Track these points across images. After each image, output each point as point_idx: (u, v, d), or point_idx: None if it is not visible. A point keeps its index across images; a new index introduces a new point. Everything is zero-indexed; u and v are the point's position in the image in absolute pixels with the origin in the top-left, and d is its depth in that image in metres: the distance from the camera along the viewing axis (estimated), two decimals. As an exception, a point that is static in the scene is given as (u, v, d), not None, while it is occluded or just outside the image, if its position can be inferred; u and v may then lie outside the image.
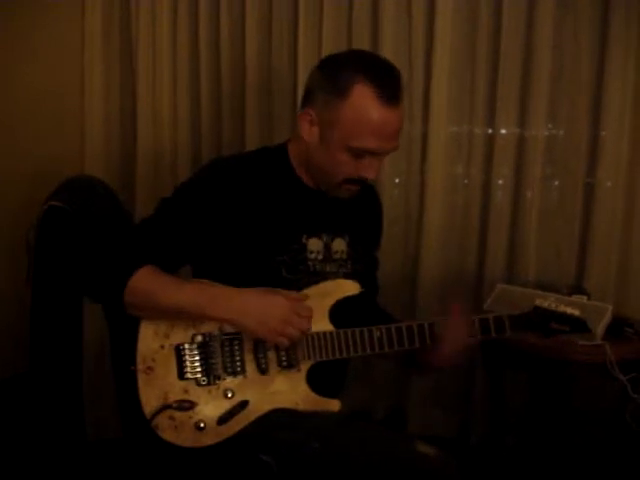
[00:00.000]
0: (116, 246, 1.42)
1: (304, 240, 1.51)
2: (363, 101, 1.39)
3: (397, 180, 2.58)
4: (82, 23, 2.65)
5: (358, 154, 1.42)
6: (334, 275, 1.54)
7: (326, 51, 2.43)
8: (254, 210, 1.46)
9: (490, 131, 2.50)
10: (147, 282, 1.38)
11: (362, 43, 2.48)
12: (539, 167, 2.42)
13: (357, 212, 1.64)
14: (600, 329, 1.91)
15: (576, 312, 1.51)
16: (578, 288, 2.22)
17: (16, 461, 2.22)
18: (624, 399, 2.01)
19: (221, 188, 1.44)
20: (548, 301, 1.53)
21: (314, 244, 1.52)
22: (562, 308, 1.52)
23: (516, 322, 1.51)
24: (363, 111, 1.39)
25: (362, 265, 1.63)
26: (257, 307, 1.38)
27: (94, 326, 1.80)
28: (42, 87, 2.63)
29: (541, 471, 2.25)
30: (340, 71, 1.43)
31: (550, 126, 2.45)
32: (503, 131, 2.46)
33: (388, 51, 2.41)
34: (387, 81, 1.41)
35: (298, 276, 1.49)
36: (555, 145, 2.44)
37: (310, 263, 1.51)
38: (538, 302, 1.54)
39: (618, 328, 2.04)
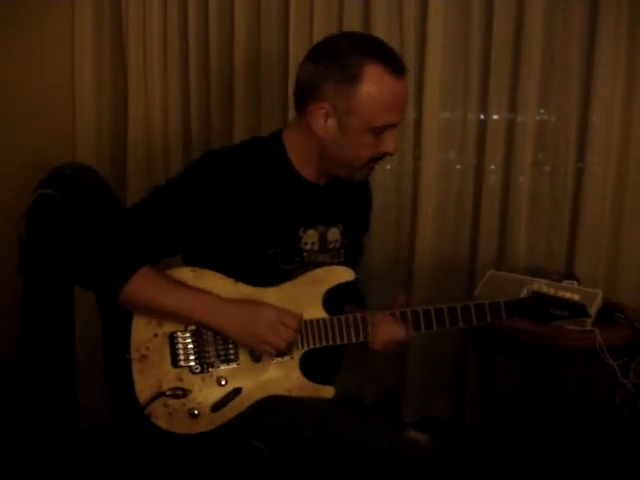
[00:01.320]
0: (111, 236, 1.43)
1: (301, 232, 1.54)
2: (377, 79, 1.42)
3: (389, 166, 2.62)
4: (72, 15, 2.66)
5: (379, 132, 1.46)
6: (328, 265, 1.56)
7: (317, 37, 2.42)
8: (250, 202, 1.47)
9: (482, 117, 2.54)
10: (145, 286, 1.40)
11: (354, 28, 2.48)
12: (530, 153, 2.46)
13: (349, 200, 1.67)
14: (591, 314, 1.93)
15: (575, 297, 1.52)
16: (568, 274, 2.26)
17: (10, 450, 2.24)
18: (614, 384, 2.04)
19: (216, 180, 1.46)
20: (543, 286, 1.55)
21: (310, 236, 1.55)
22: (561, 293, 1.53)
23: (513, 308, 1.53)
24: (380, 89, 1.42)
25: (354, 253, 1.66)
26: (245, 315, 1.42)
27: (86, 315, 1.80)
28: (33, 81, 2.65)
29: (532, 455, 2.29)
30: (345, 58, 1.43)
31: (541, 111, 2.48)
32: (495, 117, 2.49)
33: (380, 36, 2.35)
34: (392, 54, 1.45)
35: (294, 266, 1.51)
36: (546, 131, 2.48)
37: (305, 254, 1.54)
38: (536, 287, 1.55)
39: (608, 313, 2.06)
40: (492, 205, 2.52)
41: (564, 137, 2.44)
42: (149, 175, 2.68)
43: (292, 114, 2.44)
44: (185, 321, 1.44)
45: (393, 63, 1.43)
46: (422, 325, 1.52)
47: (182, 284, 1.45)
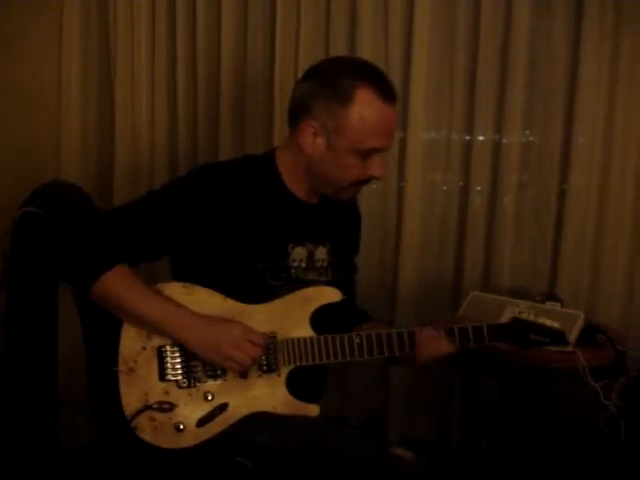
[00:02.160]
0: (95, 230, 1.46)
1: (289, 249, 1.57)
2: (368, 103, 1.46)
3: (375, 186, 2.64)
4: (60, 32, 2.70)
5: (366, 155, 1.50)
6: (315, 283, 1.59)
7: (302, 62, 2.51)
8: (239, 215, 1.50)
9: (468, 137, 2.59)
10: (118, 284, 1.42)
11: (339, 49, 2.55)
12: (515, 174, 2.51)
13: (338, 220, 1.71)
14: (573, 336, 1.98)
15: (555, 324, 1.55)
16: (551, 295, 2.29)
17: None
18: (596, 405, 2.06)
19: (209, 192, 1.49)
20: (523, 310, 1.59)
21: (298, 253, 1.58)
22: (541, 320, 1.56)
23: (495, 332, 1.55)
24: (370, 113, 1.47)
25: (342, 273, 1.69)
26: (212, 331, 1.44)
27: (69, 332, 1.79)
28: (18, 95, 2.66)
29: (515, 475, 2.31)
30: (338, 78, 1.48)
31: (526, 133, 2.54)
32: (480, 138, 2.54)
33: (365, 57, 2.36)
34: (384, 80, 1.51)
35: (281, 282, 1.55)
36: (530, 152, 2.53)
37: (293, 271, 1.57)
38: (517, 313, 1.59)
39: (590, 335, 2.08)
40: (477, 226, 2.56)
41: (548, 158, 2.50)
42: (135, 192, 2.58)
43: (277, 132, 2.55)
44: (152, 329, 1.46)
45: (384, 88, 1.48)
46: (406, 347, 1.53)
47: (157, 292, 1.47)
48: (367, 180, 1.57)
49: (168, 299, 1.46)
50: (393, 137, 1.56)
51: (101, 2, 2.72)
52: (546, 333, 1.55)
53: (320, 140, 1.51)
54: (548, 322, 1.56)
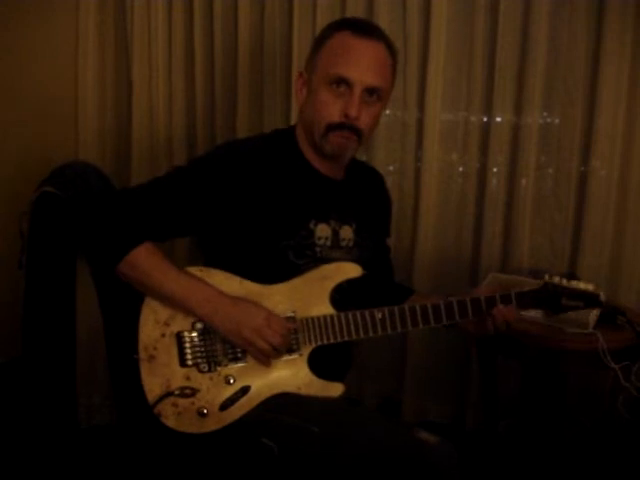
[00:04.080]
0: (123, 205, 1.46)
1: (312, 225, 1.57)
2: (340, 37, 1.52)
3: (391, 167, 2.64)
4: (77, 12, 2.70)
5: (338, 91, 1.50)
6: (339, 262, 1.58)
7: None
8: (265, 193, 1.51)
9: (485, 119, 2.56)
10: (146, 260, 1.44)
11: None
12: (534, 155, 2.48)
13: (364, 200, 1.71)
14: (592, 318, 1.98)
15: (590, 287, 1.54)
16: (571, 275, 2.24)
17: (8, 447, 2.27)
18: (616, 387, 2.05)
19: (235, 168, 1.50)
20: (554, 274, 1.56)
21: (322, 230, 1.58)
22: (574, 284, 1.54)
23: (524, 298, 1.54)
24: (337, 43, 1.52)
25: (368, 253, 1.69)
26: (236, 314, 1.44)
27: (87, 314, 1.80)
28: (37, 78, 2.68)
29: (533, 458, 2.32)
30: (324, 30, 1.58)
31: (545, 114, 2.50)
32: (498, 119, 2.51)
33: None
34: (364, 23, 1.56)
35: (304, 260, 1.54)
36: (550, 133, 2.50)
37: (317, 249, 1.57)
38: (547, 278, 1.56)
39: (610, 316, 2.08)
40: (495, 207, 2.55)
41: (568, 140, 2.47)
42: (153, 172, 2.68)
43: (295, 110, 2.54)
44: (177, 306, 1.46)
45: (360, 26, 1.52)
46: (431, 320, 1.53)
47: (183, 270, 1.48)
48: (343, 124, 1.52)
49: (195, 277, 1.47)
50: (368, 72, 1.51)
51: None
52: (580, 297, 1.53)
53: (305, 88, 1.57)
54: (582, 285, 1.54)
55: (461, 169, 2.63)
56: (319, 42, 1.56)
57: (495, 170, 2.55)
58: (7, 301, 2.46)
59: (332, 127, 1.52)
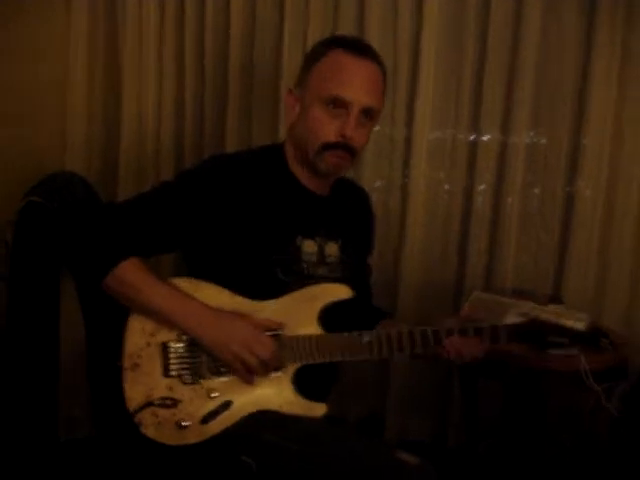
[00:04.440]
0: (108, 221, 1.47)
1: (299, 242, 1.58)
2: (334, 56, 1.53)
3: (378, 183, 2.66)
4: (68, 19, 2.71)
5: (333, 112, 1.51)
6: (325, 279, 1.60)
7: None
8: (252, 209, 1.52)
9: (473, 137, 2.59)
10: (132, 275, 1.44)
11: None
12: (520, 174, 2.51)
13: (350, 217, 1.72)
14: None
15: (578, 325, 1.56)
16: (555, 297, 2.31)
17: None
18: (597, 408, 2.05)
19: (222, 184, 1.51)
20: (527, 311, 1.59)
21: (308, 246, 1.59)
22: (562, 321, 1.56)
23: (512, 332, 1.56)
24: (331, 62, 1.53)
25: (352, 271, 1.70)
26: (221, 327, 1.45)
27: (70, 325, 1.81)
28: (24, 84, 2.66)
29: (513, 478, 2.33)
30: (316, 47, 1.60)
31: (532, 134, 2.54)
32: (486, 137, 2.55)
33: None
34: (356, 42, 1.57)
35: (291, 278, 1.55)
36: (537, 152, 2.54)
37: (304, 265, 1.58)
38: (530, 312, 1.58)
39: (593, 338, 2.02)
40: (481, 225, 2.57)
41: (555, 160, 2.50)
42: (140, 183, 2.70)
43: (283, 125, 2.56)
44: (163, 320, 1.46)
45: (353, 44, 1.54)
46: (418, 345, 1.53)
47: (170, 284, 1.48)
48: (338, 144, 1.53)
49: (181, 291, 1.47)
50: (361, 92, 1.52)
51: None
52: (566, 333, 1.56)
53: (297, 105, 1.58)
54: (569, 323, 1.56)
55: (447, 187, 2.65)
56: (311, 59, 1.57)
57: (482, 188, 2.58)
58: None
59: (327, 146, 1.54)
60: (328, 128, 1.52)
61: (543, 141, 2.54)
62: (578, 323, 1.58)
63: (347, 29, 2.56)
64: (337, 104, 1.51)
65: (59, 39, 2.75)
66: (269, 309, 1.52)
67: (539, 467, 2.29)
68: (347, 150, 1.55)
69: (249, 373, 1.46)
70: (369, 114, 1.55)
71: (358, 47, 1.54)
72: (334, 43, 1.56)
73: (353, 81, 1.51)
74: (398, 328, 1.56)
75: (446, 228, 2.65)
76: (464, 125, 2.59)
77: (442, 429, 2.72)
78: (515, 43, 2.45)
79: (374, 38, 2.53)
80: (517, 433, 2.47)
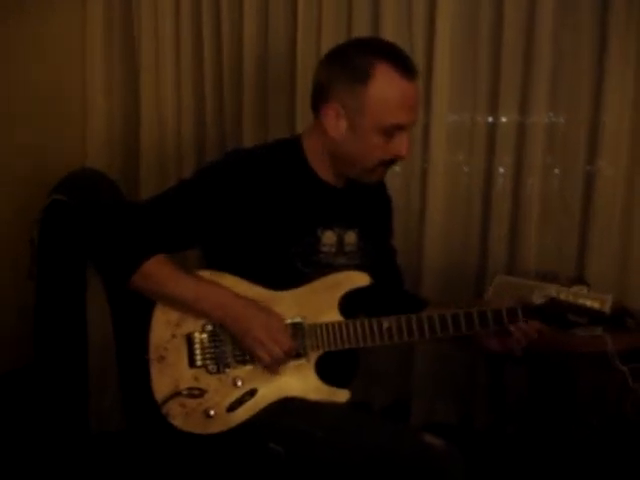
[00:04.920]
0: (132, 220, 1.52)
1: (319, 233, 1.62)
2: (387, 79, 1.50)
3: (398, 169, 2.68)
4: (84, 16, 2.77)
5: (389, 133, 1.53)
6: (345, 268, 1.63)
7: (324, 45, 2.56)
8: (271, 202, 1.56)
9: (491, 119, 2.61)
10: (159, 270, 1.50)
11: (361, 30, 2.58)
12: (540, 155, 2.52)
13: (366, 205, 1.75)
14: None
15: (596, 304, 1.57)
16: (578, 278, 2.31)
17: (20, 452, 2.32)
18: (624, 389, 2.09)
19: (239, 178, 1.55)
20: (553, 293, 1.59)
21: (328, 237, 1.63)
22: (581, 300, 1.58)
23: (530, 313, 1.58)
24: (389, 88, 1.50)
25: (372, 258, 1.73)
26: (247, 315, 1.50)
27: (98, 320, 1.86)
28: (44, 82, 2.75)
29: (541, 460, 2.36)
30: (356, 58, 1.53)
31: (551, 114, 2.55)
32: (504, 119, 2.56)
33: (388, 38, 2.45)
34: (402, 56, 1.54)
35: (311, 268, 1.59)
36: (556, 133, 2.55)
37: (322, 255, 1.62)
38: (554, 293, 1.59)
39: (619, 318, 2.10)
40: (501, 208, 2.58)
41: (574, 139, 2.51)
42: (161, 179, 2.77)
43: (299, 118, 2.60)
44: (191, 309, 1.52)
45: (403, 63, 1.52)
46: (437, 330, 1.57)
47: (195, 275, 1.54)
48: (393, 160, 1.59)
49: (207, 281, 1.53)
50: (416, 113, 1.57)
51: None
52: (585, 313, 1.57)
53: (343, 122, 1.55)
54: (588, 302, 1.58)
55: (467, 170, 2.68)
56: (357, 75, 1.51)
57: (501, 170, 2.59)
58: (17, 309, 2.56)
59: (382, 163, 1.59)
60: (385, 150, 1.56)
61: (562, 120, 2.55)
62: (595, 302, 1.58)
63: (362, 16, 2.59)
64: (396, 128, 1.54)
65: (77, 41, 2.83)
66: (289, 298, 1.56)
67: (567, 449, 2.31)
68: (395, 162, 1.62)
69: (272, 360, 1.50)
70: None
71: (406, 64, 1.53)
72: (379, 57, 1.51)
73: (411, 107, 1.54)
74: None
75: (467, 212, 2.67)
76: (482, 107, 2.61)
77: (469, 411, 2.75)
78: (531, 22, 2.45)
79: (389, 22, 2.56)
80: (544, 415, 2.49)
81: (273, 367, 1.52)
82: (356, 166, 1.60)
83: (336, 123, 1.56)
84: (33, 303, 1.79)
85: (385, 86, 1.50)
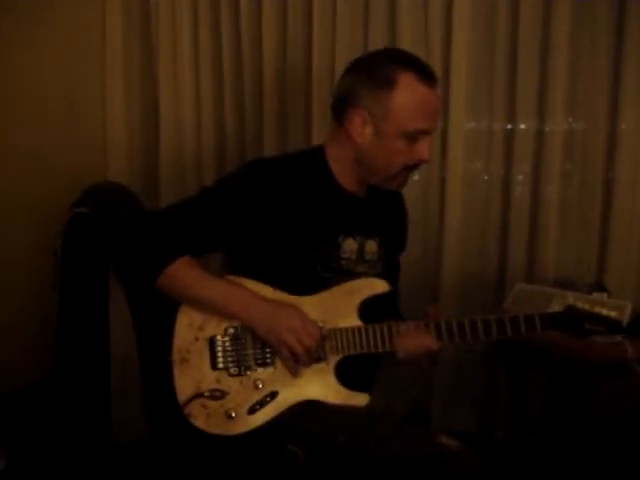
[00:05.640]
0: (158, 225, 1.60)
1: (340, 240, 1.68)
2: (410, 85, 1.59)
3: (416, 177, 2.73)
4: (103, 29, 2.88)
5: (412, 138, 1.62)
6: (365, 276, 1.70)
7: (340, 49, 2.65)
8: (292, 209, 1.63)
9: (509, 126, 2.66)
10: (184, 273, 1.58)
11: (379, 39, 2.65)
12: (558, 162, 2.56)
13: (386, 216, 1.82)
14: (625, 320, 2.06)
15: (612, 313, 1.61)
16: (598, 285, 2.36)
17: (42, 465, 2.37)
18: None
19: (262, 187, 1.62)
20: (571, 301, 1.64)
21: (349, 245, 1.70)
22: (597, 309, 1.62)
23: (547, 321, 1.62)
24: (413, 94, 1.60)
25: (391, 266, 1.81)
26: (273, 315, 1.57)
27: (119, 330, 1.95)
28: (64, 97, 2.84)
29: (561, 469, 2.39)
30: (380, 67, 1.63)
31: (569, 120, 2.59)
32: (522, 126, 2.61)
33: (406, 46, 2.55)
34: (423, 64, 1.64)
35: (332, 274, 1.66)
36: (574, 140, 2.59)
37: (343, 262, 1.68)
38: (572, 301, 1.64)
39: (639, 325, 2.13)
40: (520, 216, 2.63)
41: (593, 146, 2.55)
42: (181, 191, 2.81)
43: (316, 127, 2.67)
44: (218, 310, 1.59)
45: (424, 71, 1.61)
46: (456, 336, 1.62)
47: (220, 277, 1.62)
48: (415, 165, 1.67)
49: (232, 283, 1.61)
50: (437, 118, 1.68)
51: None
52: (602, 322, 1.61)
53: (369, 129, 1.63)
54: (604, 311, 1.61)
55: (486, 177, 2.72)
56: (382, 82, 1.60)
57: (520, 178, 2.64)
58: (40, 320, 2.63)
59: (406, 168, 1.67)
60: (407, 155, 1.64)
61: (580, 127, 2.59)
62: (612, 312, 1.62)
63: (378, 20, 2.66)
64: (419, 134, 1.62)
65: (96, 53, 2.92)
66: (310, 303, 1.62)
67: (586, 457, 2.34)
68: (417, 167, 1.69)
69: (295, 361, 1.57)
70: None
71: (429, 73, 1.62)
72: (403, 66, 1.61)
73: (433, 113, 1.65)
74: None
75: (485, 219, 2.72)
76: (500, 114, 2.66)
77: (489, 420, 2.77)
78: (548, 29, 2.51)
79: (406, 28, 2.62)
80: (565, 423, 2.52)
81: (294, 367, 1.59)
82: (380, 172, 1.68)
83: (362, 129, 1.64)
84: (56, 314, 1.87)
85: (408, 93, 1.59)
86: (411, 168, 1.68)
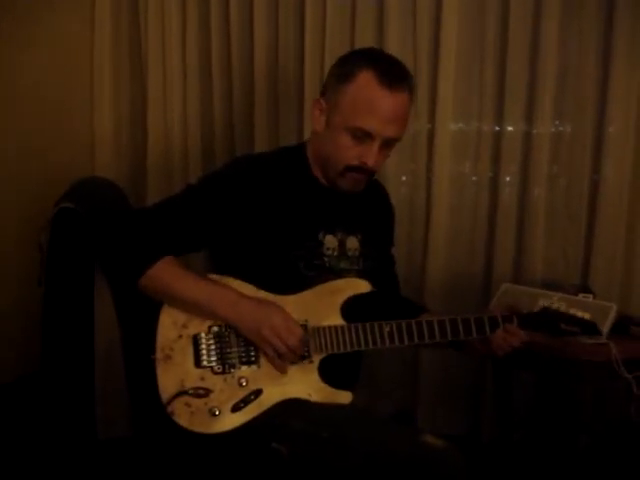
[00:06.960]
0: (140, 224, 1.62)
1: (321, 237, 1.72)
2: (364, 83, 1.62)
3: (403, 178, 2.77)
4: (92, 27, 2.90)
5: (359, 138, 1.63)
6: (347, 272, 1.73)
7: (330, 49, 2.66)
8: (273, 206, 1.66)
9: (497, 128, 2.70)
10: (167, 272, 1.60)
11: (367, 39, 2.67)
12: (546, 164, 2.61)
13: (369, 211, 1.85)
14: (605, 328, 2.07)
15: (586, 315, 1.66)
16: (583, 287, 2.39)
17: (27, 460, 2.38)
18: (629, 397, 2.15)
19: (244, 184, 1.65)
20: (554, 302, 1.69)
21: (330, 241, 1.73)
22: (572, 310, 1.67)
23: (524, 321, 1.68)
24: (363, 91, 1.62)
25: (373, 263, 1.83)
26: (257, 313, 1.59)
27: (104, 326, 1.96)
28: (52, 93, 2.86)
29: (546, 467, 2.43)
30: (349, 61, 1.68)
31: (557, 123, 2.63)
32: (510, 128, 2.65)
33: (393, 47, 2.59)
34: (389, 68, 1.64)
35: (313, 272, 1.69)
36: (561, 142, 2.63)
37: (326, 259, 1.72)
38: (547, 303, 1.69)
39: (623, 326, 2.19)
40: (507, 217, 2.66)
41: (580, 149, 2.59)
42: (168, 187, 2.83)
43: (307, 128, 2.68)
44: (202, 311, 1.61)
45: (387, 75, 1.62)
46: (436, 335, 1.66)
47: (203, 277, 1.64)
48: (359, 168, 1.67)
49: (215, 282, 1.63)
50: (393, 126, 1.64)
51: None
52: (577, 323, 1.66)
53: (323, 118, 1.69)
54: (579, 313, 1.67)
55: (473, 179, 2.76)
56: (342, 75, 1.65)
57: (507, 179, 2.67)
58: (25, 315, 2.63)
59: (349, 169, 1.68)
60: (351, 153, 1.66)
61: (568, 129, 2.63)
62: (586, 314, 1.67)
63: (366, 20, 2.68)
64: (363, 133, 1.63)
65: (85, 50, 2.94)
66: (293, 302, 1.65)
67: (572, 456, 2.37)
68: (365, 172, 1.70)
69: (279, 359, 1.60)
70: (391, 143, 1.69)
71: (392, 76, 1.62)
72: (368, 64, 1.62)
73: (381, 116, 1.61)
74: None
75: (472, 220, 2.76)
76: (487, 116, 2.69)
77: (476, 422, 2.80)
78: (536, 32, 2.55)
79: (394, 31, 2.65)
80: (550, 423, 2.56)
81: (279, 365, 1.61)
82: (329, 166, 1.71)
83: (319, 117, 1.70)
84: (40, 310, 1.87)
85: (360, 90, 1.62)
86: (356, 169, 1.68)
